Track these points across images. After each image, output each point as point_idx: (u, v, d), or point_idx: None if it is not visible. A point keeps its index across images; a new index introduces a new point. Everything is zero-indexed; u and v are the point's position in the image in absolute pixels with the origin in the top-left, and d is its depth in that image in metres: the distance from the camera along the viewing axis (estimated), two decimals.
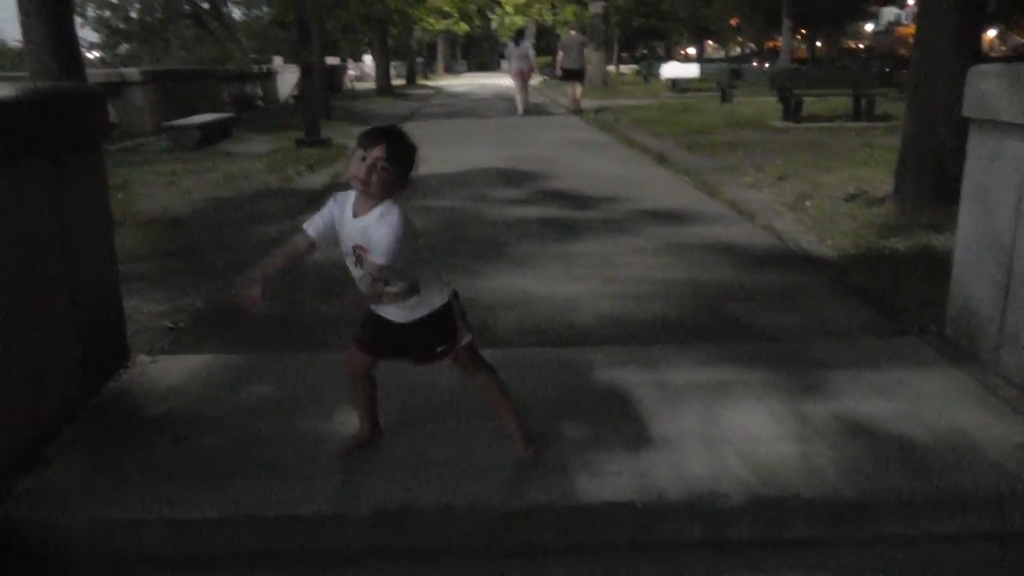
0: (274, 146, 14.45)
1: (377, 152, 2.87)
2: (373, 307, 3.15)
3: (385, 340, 3.21)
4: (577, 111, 21.95)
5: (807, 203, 8.37)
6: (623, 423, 3.54)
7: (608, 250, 6.84)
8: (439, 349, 3.20)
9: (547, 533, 3.04)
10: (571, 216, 8.31)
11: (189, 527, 3.00)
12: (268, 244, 7.21)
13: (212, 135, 15.36)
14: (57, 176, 3.65)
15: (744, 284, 5.84)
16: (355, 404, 3.45)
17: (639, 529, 3.05)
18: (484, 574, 2.91)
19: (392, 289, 3.00)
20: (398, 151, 2.92)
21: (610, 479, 3.13)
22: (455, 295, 3.21)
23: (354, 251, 3.01)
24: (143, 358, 4.39)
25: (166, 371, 4.21)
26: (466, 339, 3.23)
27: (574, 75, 22.46)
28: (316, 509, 3.03)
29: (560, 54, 22.79)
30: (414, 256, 3.05)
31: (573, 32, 24.42)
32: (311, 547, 3.01)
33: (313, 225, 3.09)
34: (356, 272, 3.07)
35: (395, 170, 2.91)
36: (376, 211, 2.94)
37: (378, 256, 2.91)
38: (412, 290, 3.04)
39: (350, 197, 3.04)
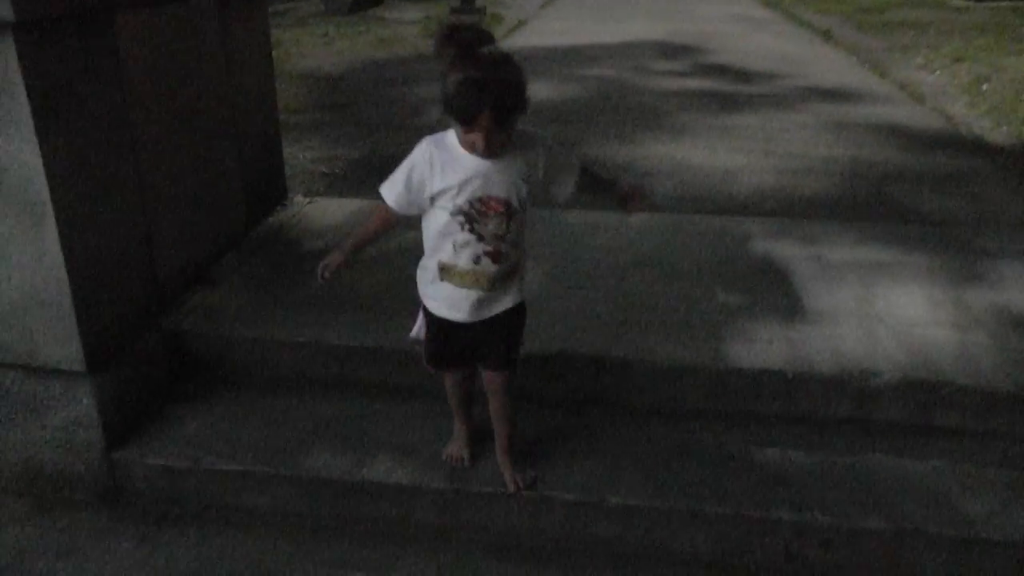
0: (427, 13, 14.43)
1: (484, 123, 2.12)
2: (439, 302, 2.46)
3: (452, 345, 2.56)
4: None
5: (984, 86, 7.89)
6: (777, 294, 3.47)
7: (769, 125, 6.65)
8: (514, 356, 2.61)
9: (695, 394, 3.04)
10: (731, 90, 8.07)
11: (348, 354, 3.12)
12: (419, 103, 7.29)
13: (365, 1, 15.41)
14: (223, 17, 3.71)
15: (909, 166, 5.60)
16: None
17: (787, 399, 3.00)
18: (631, 430, 2.94)
19: (501, 266, 2.37)
20: (509, 105, 2.13)
21: (761, 346, 3.08)
22: None
23: (470, 208, 2.28)
24: (300, 199, 4.54)
25: (323, 211, 4.33)
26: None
27: None
28: None
29: None
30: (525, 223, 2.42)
31: None
32: None
33: (394, 192, 2.36)
34: (460, 237, 2.31)
35: (514, 119, 2.18)
36: (512, 148, 2.28)
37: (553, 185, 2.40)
38: (517, 270, 2.46)
39: (452, 143, 2.29)
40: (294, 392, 3.12)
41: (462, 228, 2.28)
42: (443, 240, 2.33)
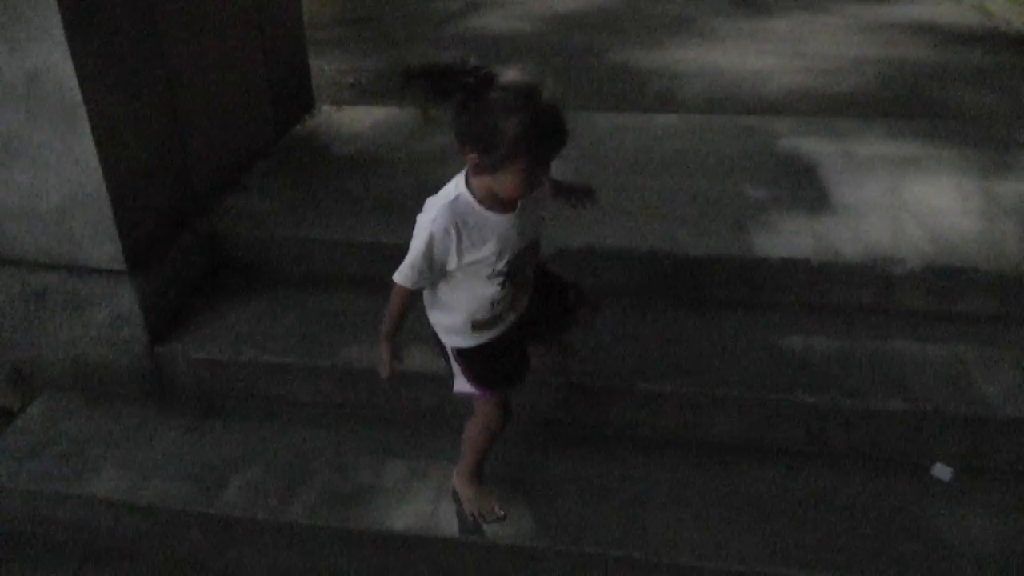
0: None
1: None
2: (488, 332, 2.26)
3: (519, 346, 2.39)
4: None
5: None
6: (804, 188, 3.48)
7: (799, 27, 6.53)
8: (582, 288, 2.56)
9: (722, 283, 3.09)
10: None
11: (378, 251, 3.14)
12: (446, 16, 7.23)
13: None
14: None
15: (944, 63, 5.50)
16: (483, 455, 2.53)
17: (812, 288, 3.05)
18: (658, 319, 3.01)
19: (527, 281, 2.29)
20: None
21: (788, 237, 3.11)
22: None
23: (510, 268, 2.12)
24: (328, 107, 4.56)
25: (351, 119, 4.36)
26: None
27: None
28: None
29: None
30: None
31: None
32: None
33: (411, 278, 2.15)
34: (500, 295, 2.17)
35: None
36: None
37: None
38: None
39: (469, 204, 2.05)
40: (328, 289, 3.20)
41: (502, 287, 2.14)
42: (479, 302, 2.18)
